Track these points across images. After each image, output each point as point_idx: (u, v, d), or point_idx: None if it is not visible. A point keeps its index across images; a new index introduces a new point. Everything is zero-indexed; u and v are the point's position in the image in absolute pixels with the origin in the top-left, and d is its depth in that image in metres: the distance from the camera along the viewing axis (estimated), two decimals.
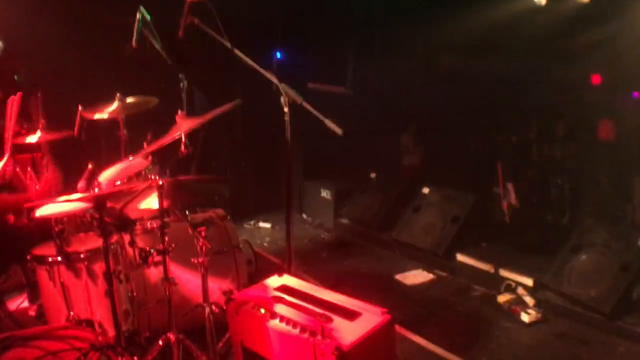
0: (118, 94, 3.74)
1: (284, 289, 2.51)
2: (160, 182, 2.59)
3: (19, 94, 3.04)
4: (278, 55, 5.55)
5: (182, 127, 2.80)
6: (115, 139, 3.80)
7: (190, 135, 3.26)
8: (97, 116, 3.67)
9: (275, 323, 2.23)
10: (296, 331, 2.15)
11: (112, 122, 3.84)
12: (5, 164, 3.07)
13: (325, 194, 5.96)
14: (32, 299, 3.53)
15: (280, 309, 2.32)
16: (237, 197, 6.02)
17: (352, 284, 4.36)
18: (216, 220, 3.54)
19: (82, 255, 2.82)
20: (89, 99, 3.81)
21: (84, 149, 4.03)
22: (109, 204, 2.54)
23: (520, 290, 3.97)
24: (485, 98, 5.92)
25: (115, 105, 3.71)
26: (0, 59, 4.50)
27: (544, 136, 5.86)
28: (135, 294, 3.06)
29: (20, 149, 3.62)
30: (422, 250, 4.89)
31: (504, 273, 4.22)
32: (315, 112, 2.88)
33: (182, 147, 3.26)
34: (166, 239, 2.68)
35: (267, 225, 5.91)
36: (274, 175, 6.28)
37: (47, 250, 2.86)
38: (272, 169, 6.27)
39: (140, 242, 3.11)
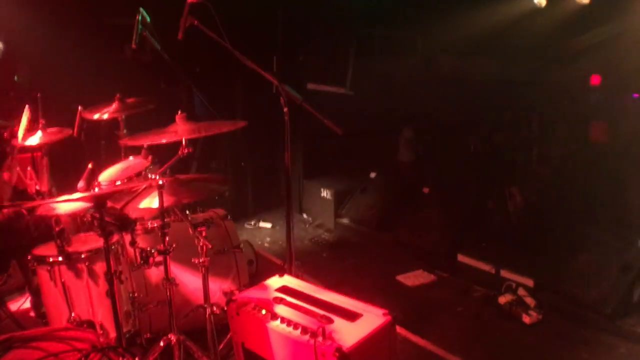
0: (118, 95, 3.74)
1: (285, 289, 2.51)
2: (161, 182, 2.59)
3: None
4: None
5: (181, 129, 2.79)
6: (115, 139, 3.80)
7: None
8: (96, 116, 3.67)
9: (276, 324, 2.23)
10: (297, 332, 2.15)
11: (112, 123, 3.84)
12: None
13: (325, 193, 5.95)
14: (36, 307, 3.52)
15: (281, 310, 2.32)
16: (237, 197, 6.02)
17: (353, 285, 4.36)
18: (217, 220, 3.54)
19: (83, 256, 2.82)
20: (89, 99, 3.81)
21: (84, 149, 4.03)
22: (109, 204, 2.54)
23: (521, 291, 3.96)
24: (485, 99, 5.93)
25: (115, 105, 3.71)
26: (1, 60, 4.50)
27: (544, 137, 5.86)
28: (136, 295, 3.06)
29: (21, 149, 3.62)
30: (423, 250, 4.89)
31: (504, 274, 4.22)
32: (315, 112, 2.87)
33: (182, 147, 3.26)
34: (167, 239, 2.68)
35: (268, 225, 5.91)
36: (274, 175, 6.29)
37: (48, 250, 2.86)
38: (272, 168, 6.28)
39: (141, 242, 3.11)
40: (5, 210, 3.19)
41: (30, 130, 3.45)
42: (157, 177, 2.59)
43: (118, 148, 3.82)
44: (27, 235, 3.08)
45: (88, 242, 2.97)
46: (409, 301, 4.11)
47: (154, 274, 3.21)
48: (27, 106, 3.40)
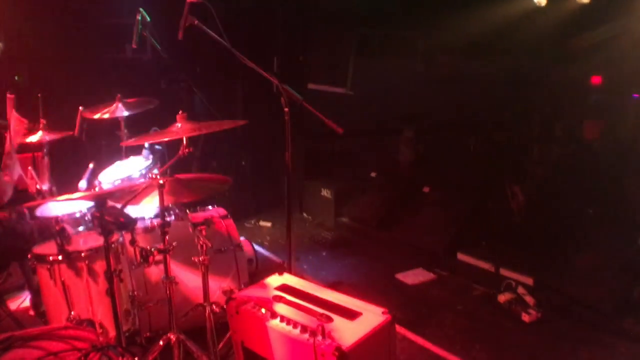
0: (118, 95, 3.75)
1: (285, 288, 2.51)
2: (161, 181, 2.59)
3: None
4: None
5: (182, 128, 2.79)
6: (115, 139, 3.81)
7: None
8: (97, 116, 3.68)
9: (275, 323, 2.23)
10: (296, 331, 2.15)
11: (112, 122, 3.85)
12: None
13: (325, 192, 5.96)
14: (35, 305, 3.52)
15: (280, 308, 2.32)
16: (237, 196, 6.02)
17: (353, 283, 4.37)
18: (217, 219, 3.54)
19: (83, 254, 2.81)
20: (89, 99, 3.81)
21: (85, 148, 4.03)
22: (109, 203, 2.55)
23: (520, 290, 3.97)
24: (485, 99, 5.93)
25: (115, 105, 3.72)
26: (1, 60, 4.50)
27: (544, 136, 5.87)
28: (136, 294, 3.06)
29: (21, 148, 3.63)
30: (423, 249, 4.90)
31: (504, 272, 4.23)
32: (315, 111, 2.88)
33: (183, 147, 3.26)
34: (167, 237, 2.68)
35: (268, 224, 5.91)
36: (275, 174, 6.28)
37: (48, 249, 2.86)
38: (273, 168, 6.28)
39: (141, 241, 3.11)
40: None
41: (26, 130, 3.42)
42: (158, 176, 2.59)
43: (119, 148, 3.83)
44: (31, 240, 3.09)
45: (88, 240, 2.97)
46: (408, 300, 4.11)
47: (154, 272, 3.21)
48: (8, 96, 3.30)
